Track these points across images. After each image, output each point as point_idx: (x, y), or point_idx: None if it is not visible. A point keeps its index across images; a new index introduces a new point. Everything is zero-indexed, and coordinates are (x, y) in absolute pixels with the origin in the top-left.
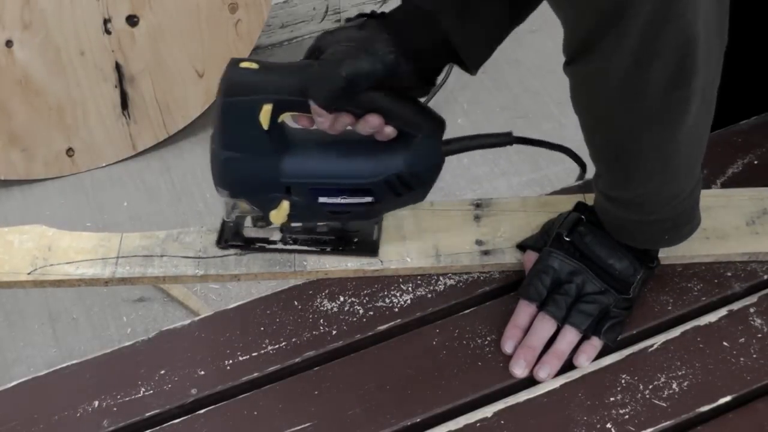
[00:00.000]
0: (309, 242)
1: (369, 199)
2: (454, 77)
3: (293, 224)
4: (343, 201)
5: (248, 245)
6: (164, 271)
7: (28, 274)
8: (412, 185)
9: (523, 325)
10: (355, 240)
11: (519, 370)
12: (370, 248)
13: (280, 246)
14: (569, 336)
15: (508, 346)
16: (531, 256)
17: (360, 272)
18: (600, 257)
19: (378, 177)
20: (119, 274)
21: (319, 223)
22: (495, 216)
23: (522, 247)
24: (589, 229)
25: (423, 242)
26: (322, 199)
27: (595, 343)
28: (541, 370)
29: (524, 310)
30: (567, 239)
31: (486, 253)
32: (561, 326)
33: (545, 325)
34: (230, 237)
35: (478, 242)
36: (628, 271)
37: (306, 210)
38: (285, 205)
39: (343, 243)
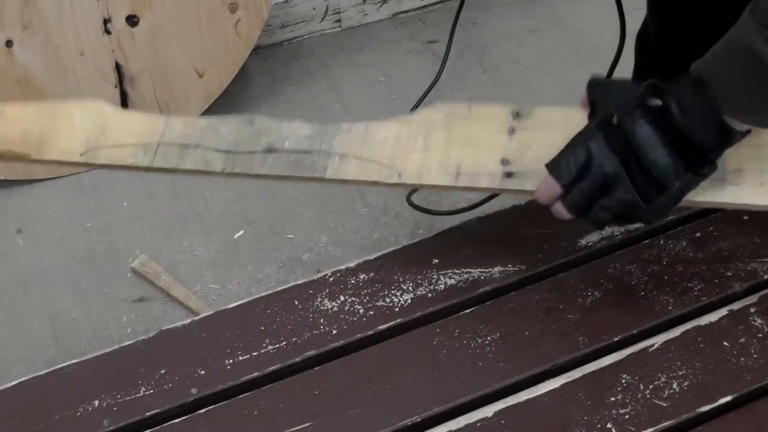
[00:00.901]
0: None
1: None
2: (454, 77)
3: None
4: None
5: None
6: (195, 165)
7: (81, 155)
8: None
9: (545, 201)
10: None
11: None
12: None
13: None
14: (586, 226)
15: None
16: (583, 98)
17: (377, 184)
18: (645, 149)
19: None
20: (157, 164)
21: None
22: (530, 130)
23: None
24: (646, 114)
25: (446, 156)
26: None
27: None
28: None
29: (548, 188)
30: (615, 123)
31: (509, 175)
32: (576, 217)
33: (563, 215)
34: None
35: (504, 161)
36: (667, 175)
37: None
38: None
39: None
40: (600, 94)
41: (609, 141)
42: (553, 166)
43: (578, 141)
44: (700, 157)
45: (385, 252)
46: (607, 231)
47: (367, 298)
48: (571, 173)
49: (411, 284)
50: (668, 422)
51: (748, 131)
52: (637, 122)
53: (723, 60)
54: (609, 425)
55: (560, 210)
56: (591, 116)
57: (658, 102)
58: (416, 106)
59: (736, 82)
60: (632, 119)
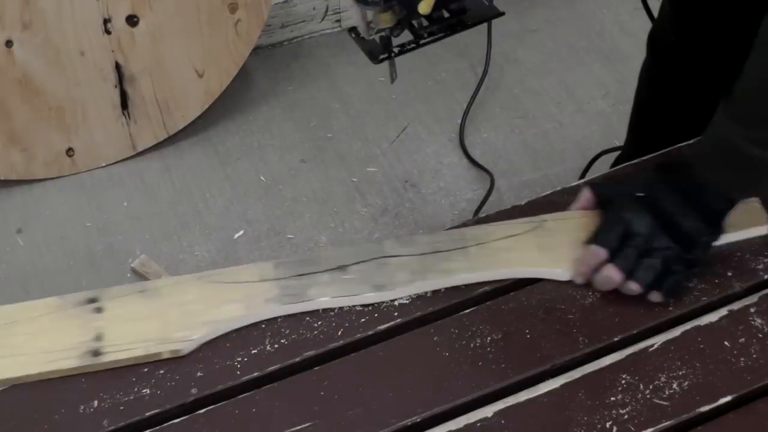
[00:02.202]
0: (440, 29)
1: None
2: (454, 76)
3: (434, 13)
4: None
5: (399, 52)
6: None
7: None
8: None
9: (586, 269)
10: (469, 22)
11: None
12: (486, 17)
13: (419, 43)
14: (630, 290)
15: (579, 280)
16: (589, 197)
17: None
18: (671, 213)
19: None
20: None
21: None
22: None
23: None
24: (663, 186)
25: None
26: None
27: (654, 297)
28: None
29: (593, 256)
30: (640, 195)
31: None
32: (627, 277)
33: (612, 278)
34: (381, 51)
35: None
36: (696, 231)
37: None
38: None
39: (462, 24)
40: (608, 190)
41: (641, 208)
42: (600, 239)
43: (612, 215)
44: (716, 219)
45: None
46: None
47: None
48: (613, 242)
49: None
50: (668, 422)
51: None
52: (661, 191)
53: (716, 155)
54: (609, 425)
55: (610, 273)
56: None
57: (671, 177)
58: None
59: (731, 172)
60: (655, 190)
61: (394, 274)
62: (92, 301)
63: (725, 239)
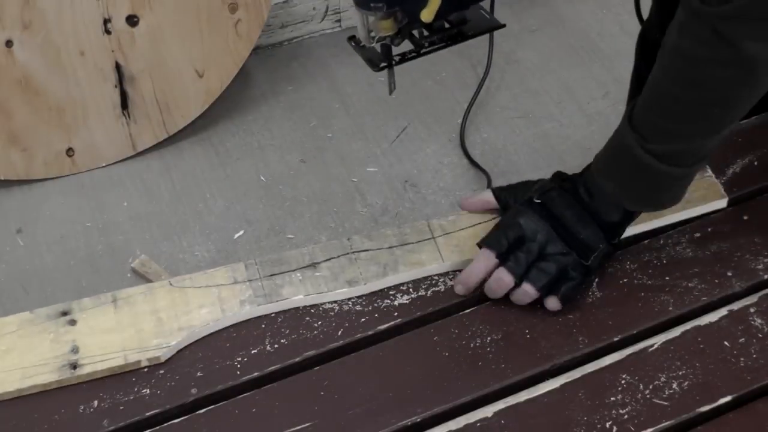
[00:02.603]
0: (442, 39)
1: None
2: (454, 76)
3: (434, 23)
4: None
5: (400, 61)
6: None
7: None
8: None
9: (479, 274)
10: (470, 33)
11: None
12: (487, 28)
13: (420, 52)
14: (524, 293)
15: (459, 290)
16: (488, 200)
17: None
18: (567, 219)
19: None
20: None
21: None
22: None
23: (494, 194)
24: (561, 193)
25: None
26: None
27: (551, 303)
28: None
29: (484, 260)
30: (537, 201)
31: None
32: (518, 283)
33: (503, 281)
34: (382, 59)
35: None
36: (592, 238)
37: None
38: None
39: (462, 35)
40: (509, 195)
41: (537, 214)
42: (486, 242)
43: (506, 220)
44: (611, 229)
45: None
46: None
47: (367, 298)
48: (502, 245)
49: (411, 284)
50: (668, 422)
51: None
52: (557, 198)
53: (613, 161)
54: (609, 425)
55: (501, 275)
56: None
57: (568, 185)
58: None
59: (628, 180)
60: (551, 197)
61: (365, 268)
62: (65, 314)
63: (684, 215)
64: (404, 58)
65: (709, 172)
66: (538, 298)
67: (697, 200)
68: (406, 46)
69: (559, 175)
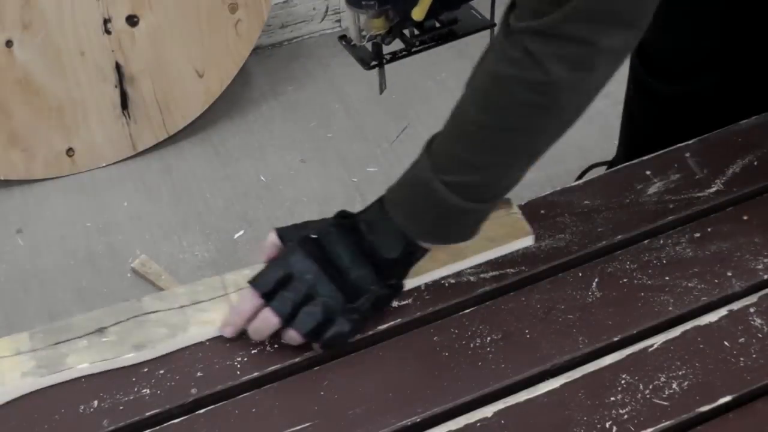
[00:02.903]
0: (433, 38)
1: None
2: (454, 76)
3: (425, 22)
4: None
5: (391, 59)
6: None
7: None
8: None
9: (245, 314)
10: (460, 32)
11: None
12: (477, 28)
13: (410, 51)
14: (289, 339)
15: (227, 332)
16: (274, 241)
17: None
18: (340, 258)
19: None
20: None
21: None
22: None
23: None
24: (337, 232)
25: None
26: None
27: (316, 349)
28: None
29: (249, 298)
30: (313, 236)
31: None
32: (284, 326)
33: (269, 321)
34: (373, 57)
35: None
36: (363, 280)
37: None
38: None
39: (453, 34)
40: (291, 232)
41: (308, 253)
42: (254, 281)
43: (279, 258)
44: (389, 269)
45: None
46: (608, 232)
47: None
48: (268, 285)
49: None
50: (668, 422)
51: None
52: (333, 235)
53: (405, 189)
54: (609, 425)
55: (265, 315)
56: None
57: (348, 222)
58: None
59: (417, 210)
60: (328, 233)
61: (153, 331)
62: None
63: (488, 255)
64: (395, 56)
65: (515, 208)
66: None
67: (501, 238)
68: (397, 45)
69: (341, 214)
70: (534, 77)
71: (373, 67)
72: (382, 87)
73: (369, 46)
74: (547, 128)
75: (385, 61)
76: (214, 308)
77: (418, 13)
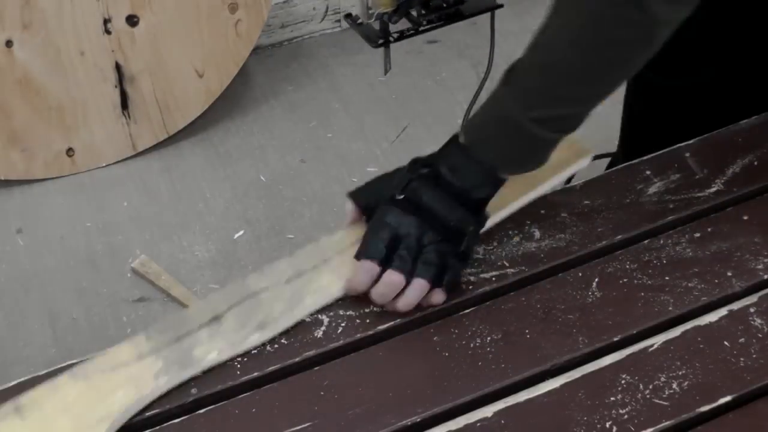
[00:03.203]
0: (439, 18)
1: None
2: (454, 76)
3: (432, 1)
4: None
5: (398, 38)
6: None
7: None
8: None
9: (363, 288)
10: (467, 12)
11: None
12: (484, 8)
13: (418, 30)
14: (418, 287)
15: (355, 292)
16: (353, 209)
17: None
18: (435, 209)
19: None
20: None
21: None
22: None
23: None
24: (422, 183)
25: None
26: None
27: (437, 297)
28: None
29: (366, 271)
30: (400, 197)
31: None
32: (409, 280)
33: (394, 282)
34: (380, 35)
35: None
36: (462, 222)
37: None
38: None
39: (460, 14)
40: (367, 196)
41: (404, 210)
42: (363, 253)
43: (375, 224)
44: (480, 206)
45: None
46: (608, 232)
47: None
48: (381, 251)
49: None
50: (668, 422)
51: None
52: (420, 189)
53: (491, 128)
54: (609, 425)
55: (391, 278)
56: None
57: (427, 170)
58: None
59: (508, 148)
60: (413, 189)
61: (270, 307)
62: None
63: (557, 180)
64: (402, 35)
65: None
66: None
67: (565, 162)
68: (404, 24)
69: (416, 161)
70: (632, 14)
71: (380, 45)
72: (387, 67)
73: (376, 24)
74: (641, 61)
75: (392, 39)
76: (322, 273)
77: None
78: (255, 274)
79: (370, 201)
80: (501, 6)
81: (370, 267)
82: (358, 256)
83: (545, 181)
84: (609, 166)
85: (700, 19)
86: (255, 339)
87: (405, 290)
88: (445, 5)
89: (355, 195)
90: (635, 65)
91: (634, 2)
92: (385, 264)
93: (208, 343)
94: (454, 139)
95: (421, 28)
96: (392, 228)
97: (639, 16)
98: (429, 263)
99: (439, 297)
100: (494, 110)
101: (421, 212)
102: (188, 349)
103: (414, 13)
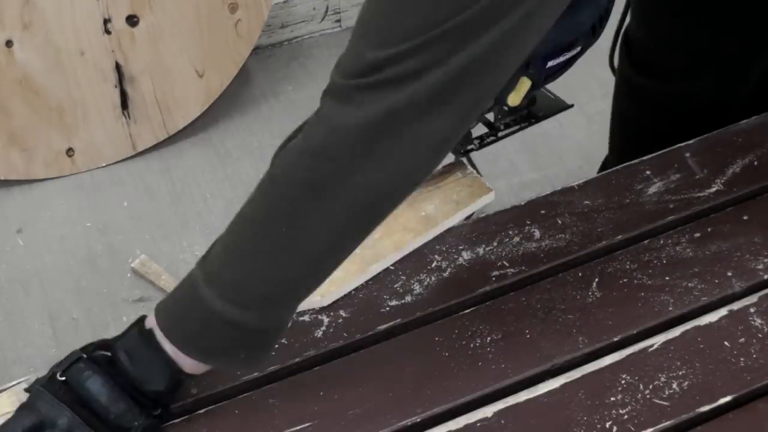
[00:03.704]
0: (516, 121)
1: (578, 49)
2: None
3: (514, 106)
4: (563, 58)
5: (480, 145)
6: None
7: None
8: (603, 23)
9: None
10: (540, 114)
11: None
12: (557, 109)
13: (498, 135)
14: None
15: None
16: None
17: None
18: (96, 398)
19: (586, 26)
20: None
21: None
22: None
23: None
24: (90, 366)
25: None
26: (549, 63)
27: None
28: None
29: None
30: (61, 378)
31: None
32: None
33: None
34: (462, 143)
35: None
36: (126, 416)
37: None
38: (525, 82)
39: (534, 116)
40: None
41: (58, 396)
42: None
43: (22, 406)
44: (153, 401)
45: None
46: (608, 232)
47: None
48: None
49: (410, 283)
50: (668, 422)
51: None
52: (84, 373)
53: (177, 307)
54: (609, 425)
55: None
56: None
57: (106, 353)
58: None
59: (178, 316)
60: (78, 371)
61: None
62: None
63: (459, 217)
64: (483, 142)
65: (469, 168)
66: None
67: (466, 199)
68: (480, 129)
69: (93, 344)
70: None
71: (465, 153)
72: (478, 172)
73: None
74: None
75: (475, 147)
76: None
77: (514, 99)
78: None
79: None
80: (571, 106)
81: None
82: None
83: (448, 218)
84: (601, 169)
85: (694, 19)
86: None
87: None
88: (518, 108)
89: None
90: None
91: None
92: None
93: None
94: (141, 319)
95: (501, 134)
96: (39, 415)
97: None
98: None
99: None
100: (182, 283)
101: (78, 404)
102: None
103: (491, 118)
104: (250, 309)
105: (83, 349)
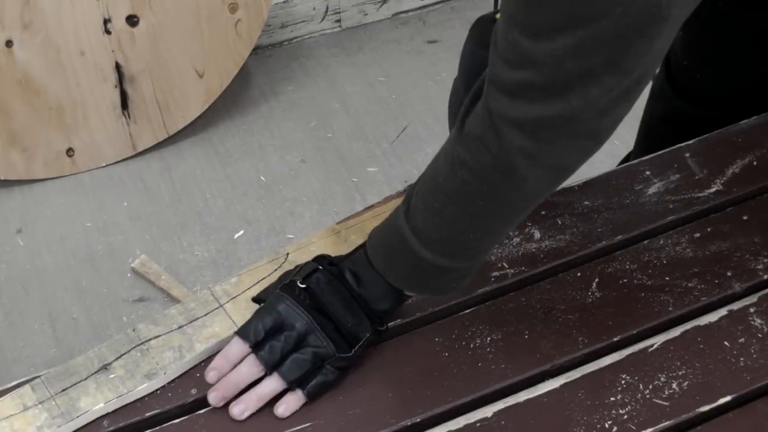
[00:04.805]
0: None
1: None
2: (453, 76)
3: None
4: None
5: None
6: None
7: None
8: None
9: (233, 360)
10: None
11: (214, 400)
12: None
13: None
14: (274, 383)
15: (210, 376)
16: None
17: None
18: (334, 306)
19: None
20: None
21: None
22: None
23: (257, 300)
24: (327, 277)
25: None
26: None
27: (299, 396)
28: (236, 407)
29: (237, 347)
30: (301, 286)
31: None
32: (269, 372)
33: (252, 368)
34: None
35: None
36: (360, 326)
37: None
38: None
39: None
40: (272, 287)
41: (298, 301)
42: (242, 331)
43: (264, 308)
44: (379, 318)
45: None
46: (608, 232)
47: None
48: (258, 335)
49: None
50: (668, 422)
51: None
52: (323, 283)
53: (383, 239)
54: (609, 425)
55: (249, 366)
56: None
57: (334, 269)
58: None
59: (392, 261)
60: (318, 281)
61: (159, 356)
62: None
63: None
64: None
65: None
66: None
67: None
68: None
69: (323, 257)
70: (490, 143)
71: None
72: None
73: None
74: (516, 200)
75: None
76: (212, 321)
77: None
78: (146, 324)
79: (269, 288)
80: None
81: (241, 346)
82: (238, 332)
83: None
84: (623, 162)
85: (740, 60)
86: (143, 389)
87: (261, 381)
88: None
89: (260, 296)
90: (509, 204)
91: (494, 130)
92: (256, 349)
93: (95, 395)
94: (364, 244)
95: None
96: (279, 317)
97: (496, 148)
98: (298, 364)
99: (290, 404)
100: (390, 223)
101: (316, 308)
102: (74, 400)
103: None
104: (456, 257)
105: (316, 260)
